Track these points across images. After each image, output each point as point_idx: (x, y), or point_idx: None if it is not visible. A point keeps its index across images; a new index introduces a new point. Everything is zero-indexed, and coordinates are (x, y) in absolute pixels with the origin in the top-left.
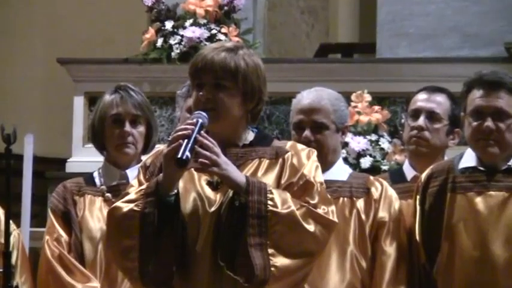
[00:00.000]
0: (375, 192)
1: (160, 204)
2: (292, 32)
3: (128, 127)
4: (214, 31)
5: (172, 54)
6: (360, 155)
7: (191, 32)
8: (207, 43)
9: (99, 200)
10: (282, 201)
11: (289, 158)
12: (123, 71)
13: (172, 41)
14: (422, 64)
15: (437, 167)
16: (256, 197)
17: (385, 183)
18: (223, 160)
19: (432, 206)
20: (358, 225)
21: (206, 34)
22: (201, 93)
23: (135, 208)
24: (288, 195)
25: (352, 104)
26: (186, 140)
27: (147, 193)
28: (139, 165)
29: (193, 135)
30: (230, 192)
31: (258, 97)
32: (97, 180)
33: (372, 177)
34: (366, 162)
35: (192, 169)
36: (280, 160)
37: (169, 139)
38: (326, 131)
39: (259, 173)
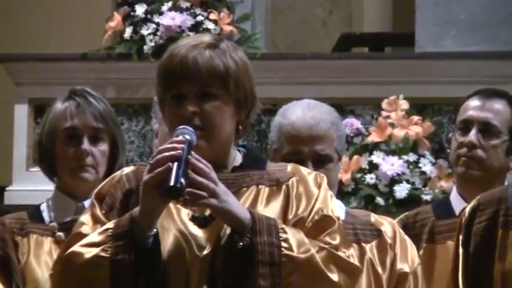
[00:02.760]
0: (387, 235)
1: (135, 248)
2: (304, 19)
3: (86, 145)
4: (200, 18)
5: (145, 48)
6: (394, 181)
7: (170, 19)
8: (190, 34)
9: (48, 241)
10: (297, 243)
11: (294, 185)
12: (79, 71)
13: (144, 31)
14: (475, 61)
15: (484, 197)
16: (266, 238)
17: (394, 222)
18: (222, 189)
19: (479, 247)
20: (373, 278)
21: (189, 22)
22: (190, 107)
23: (102, 254)
24: (302, 235)
25: (384, 113)
26: (176, 163)
27: (116, 234)
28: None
29: (184, 157)
30: (225, 231)
31: (251, 103)
32: (45, 215)
33: (375, 215)
34: (401, 190)
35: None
36: (284, 188)
37: (151, 162)
38: (330, 164)
39: (259, 205)
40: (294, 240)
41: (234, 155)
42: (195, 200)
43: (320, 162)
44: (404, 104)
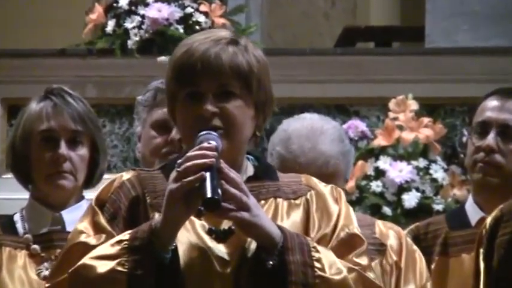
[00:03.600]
0: (393, 249)
1: (154, 262)
2: (304, 11)
3: (63, 149)
4: (189, 9)
5: (129, 43)
6: (403, 188)
7: (156, 11)
8: (179, 27)
9: (22, 255)
10: (329, 263)
11: (313, 199)
12: (57, 68)
13: (128, 24)
14: (492, 57)
15: (508, 206)
16: (298, 257)
17: (401, 231)
18: (253, 202)
19: (503, 261)
20: None
21: (178, 14)
22: (209, 107)
23: (119, 268)
24: (333, 254)
25: (391, 114)
26: (209, 173)
27: (134, 246)
28: (82, 203)
29: (216, 165)
30: (249, 246)
31: (269, 107)
32: (19, 226)
33: (380, 223)
34: (410, 199)
35: None
36: (303, 201)
37: (178, 169)
38: None
39: (280, 220)
40: (326, 260)
41: (245, 163)
42: (226, 213)
43: None
44: (413, 105)
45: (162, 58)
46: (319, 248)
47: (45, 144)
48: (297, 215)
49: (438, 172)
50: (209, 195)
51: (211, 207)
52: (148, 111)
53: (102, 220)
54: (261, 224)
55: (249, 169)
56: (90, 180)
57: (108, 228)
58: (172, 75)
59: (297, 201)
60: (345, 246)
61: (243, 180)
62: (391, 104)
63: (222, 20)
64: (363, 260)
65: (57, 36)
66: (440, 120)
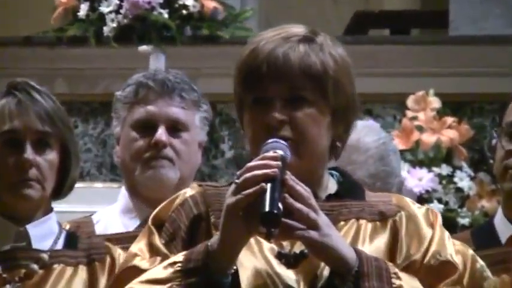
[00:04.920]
0: None
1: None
2: None
3: (29, 153)
4: None
5: (105, 30)
6: (423, 199)
7: None
8: (163, 11)
9: None
10: None
11: (402, 222)
12: (22, 59)
13: (104, 8)
14: None
15: None
16: (376, 284)
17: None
18: (324, 220)
19: None
20: None
21: None
22: (277, 115)
23: None
24: (418, 283)
25: (409, 113)
26: (271, 184)
27: (188, 269)
28: (51, 215)
29: (280, 177)
30: (321, 272)
31: (352, 113)
32: None
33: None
34: None
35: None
36: (390, 224)
37: (237, 181)
38: None
39: (361, 244)
40: None
41: (327, 179)
42: (291, 232)
43: None
44: (435, 102)
45: (144, 47)
46: (401, 274)
47: (8, 147)
48: (382, 239)
49: (464, 181)
50: (266, 209)
51: (270, 224)
52: (129, 109)
53: (158, 241)
54: (332, 246)
55: (331, 186)
56: (60, 190)
57: (164, 250)
58: (238, 79)
59: (383, 223)
60: (435, 275)
61: (322, 198)
62: (410, 101)
63: (213, 3)
64: None
65: (22, 22)
66: (467, 120)
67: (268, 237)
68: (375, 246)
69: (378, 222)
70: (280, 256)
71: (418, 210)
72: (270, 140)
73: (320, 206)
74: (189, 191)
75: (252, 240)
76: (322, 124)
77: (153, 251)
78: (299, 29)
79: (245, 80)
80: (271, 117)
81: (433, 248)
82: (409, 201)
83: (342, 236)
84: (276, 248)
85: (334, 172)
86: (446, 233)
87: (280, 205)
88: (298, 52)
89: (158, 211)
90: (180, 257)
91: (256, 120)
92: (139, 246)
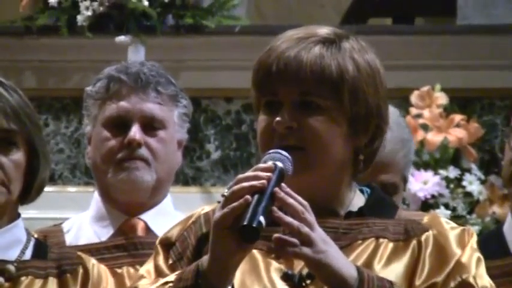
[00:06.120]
0: None
1: None
2: None
3: None
4: None
5: (79, 18)
6: (428, 205)
7: None
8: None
9: None
10: None
11: (429, 242)
12: None
13: None
14: None
15: None
16: None
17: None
18: (320, 236)
19: None
20: None
21: None
22: (283, 120)
23: None
24: None
25: (413, 110)
26: (257, 197)
27: None
28: (18, 222)
29: (269, 189)
30: None
31: (376, 125)
32: None
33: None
34: None
35: (254, 250)
36: (414, 243)
37: (225, 194)
38: (394, 196)
39: (377, 264)
40: None
41: (350, 196)
42: (281, 249)
43: (387, 193)
44: (441, 98)
45: (121, 38)
46: None
47: None
48: (402, 258)
49: (473, 184)
50: (244, 222)
51: (248, 238)
52: (100, 105)
53: (162, 262)
54: (327, 263)
55: (357, 203)
56: (28, 193)
57: (167, 271)
58: (252, 80)
59: (407, 243)
60: None
61: (341, 215)
62: (414, 97)
63: None
64: None
65: None
66: (476, 118)
67: (278, 256)
68: (392, 266)
69: (401, 242)
70: (286, 277)
71: (451, 230)
72: (271, 151)
73: (337, 224)
74: (206, 208)
75: (259, 258)
76: (335, 133)
77: (158, 272)
78: (322, 30)
79: (256, 81)
80: (276, 122)
81: (455, 269)
82: (444, 221)
83: (357, 255)
84: (283, 268)
85: (366, 189)
86: (477, 255)
87: (261, 218)
88: (312, 53)
89: (169, 229)
90: (172, 276)
91: (264, 125)
92: (147, 267)
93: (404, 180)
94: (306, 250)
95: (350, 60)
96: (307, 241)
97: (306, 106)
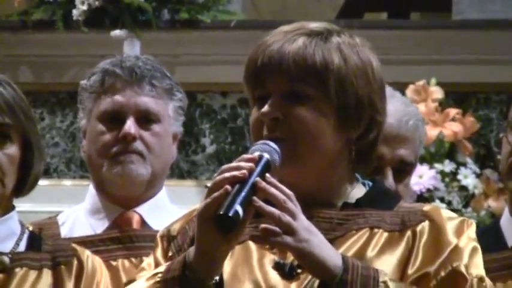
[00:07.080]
0: None
1: None
2: None
3: None
4: None
5: (74, 13)
6: (423, 198)
7: None
8: None
9: None
10: None
11: (424, 232)
12: None
13: None
14: None
15: None
16: None
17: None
18: (302, 225)
19: None
20: None
21: None
22: (268, 111)
23: None
24: None
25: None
26: (237, 186)
27: (166, 280)
28: (12, 214)
29: (252, 180)
30: (313, 284)
31: (370, 117)
32: None
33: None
34: None
35: (250, 241)
36: (409, 234)
37: (209, 185)
38: (407, 178)
39: (369, 253)
40: None
41: (348, 187)
42: (266, 238)
43: (403, 172)
44: (437, 92)
45: (117, 32)
46: (392, 284)
47: None
48: (396, 249)
49: (468, 178)
50: (221, 212)
51: (223, 227)
52: (95, 99)
53: (159, 255)
54: (309, 252)
55: (354, 194)
56: (22, 187)
57: (163, 263)
58: (243, 75)
59: (402, 234)
60: (445, 287)
61: (337, 206)
62: (409, 92)
63: None
64: None
65: None
66: (472, 112)
67: (272, 246)
68: (385, 256)
69: (396, 233)
70: (278, 267)
71: (449, 220)
72: (259, 142)
73: (332, 215)
74: None
75: (254, 249)
76: (322, 123)
77: (156, 264)
78: (312, 24)
79: (246, 75)
80: (261, 113)
81: (448, 257)
82: (443, 212)
83: (349, 245)
84: (276, 258)
85: (368, 182)
86: (472, 244)
87: (239, 208)
88: (295, 45)
89: (171, 223)
90: (162, 267)
91: (254, 117)
92: (148, 260)
93: (416, 159)
94: (287, 239)
95: (337, 52)
96: (289, 230)
97: (293, 96)
